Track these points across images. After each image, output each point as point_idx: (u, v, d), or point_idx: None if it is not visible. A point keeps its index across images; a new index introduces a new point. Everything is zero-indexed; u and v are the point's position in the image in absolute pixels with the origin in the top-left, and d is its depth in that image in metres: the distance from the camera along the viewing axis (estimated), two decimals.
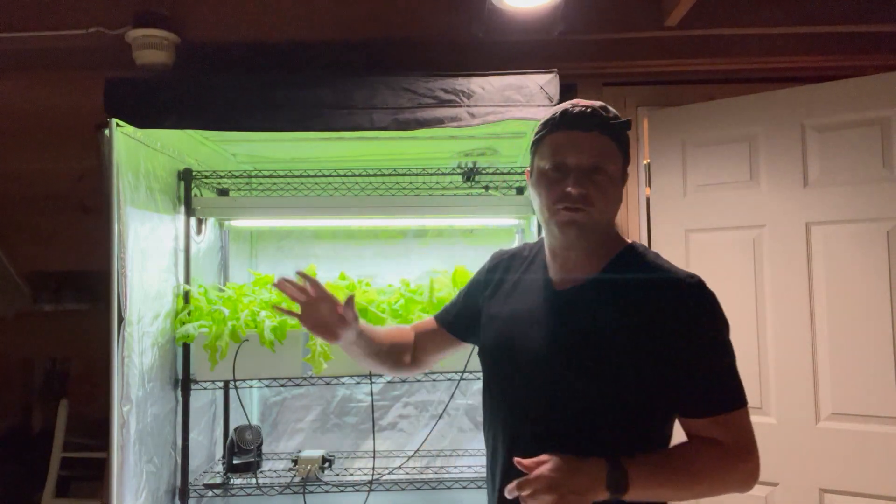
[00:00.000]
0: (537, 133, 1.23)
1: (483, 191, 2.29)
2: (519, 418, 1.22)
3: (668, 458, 1.12)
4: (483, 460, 2.34)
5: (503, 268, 1.38)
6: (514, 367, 1.23)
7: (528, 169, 1.27)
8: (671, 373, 1.12)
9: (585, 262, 1.22)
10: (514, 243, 2.57)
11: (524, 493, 1.04)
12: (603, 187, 1.16)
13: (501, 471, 1.23)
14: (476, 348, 1.41)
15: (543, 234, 1.30)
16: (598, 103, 1.20)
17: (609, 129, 1.17)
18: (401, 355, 1.48)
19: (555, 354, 1.18)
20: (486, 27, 2.08)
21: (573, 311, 1.20)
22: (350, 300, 1.32)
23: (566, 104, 1.21)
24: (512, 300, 1.31)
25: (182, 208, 2.13)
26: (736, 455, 1.12)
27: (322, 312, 1.33)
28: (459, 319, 1.45)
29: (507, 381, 1.25)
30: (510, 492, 1.06)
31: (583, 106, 1.18)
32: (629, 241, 1.27)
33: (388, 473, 2.17)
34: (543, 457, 1.08)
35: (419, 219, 2.51)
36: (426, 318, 1.55)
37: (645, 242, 2.26)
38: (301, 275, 1.33)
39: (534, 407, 1.20)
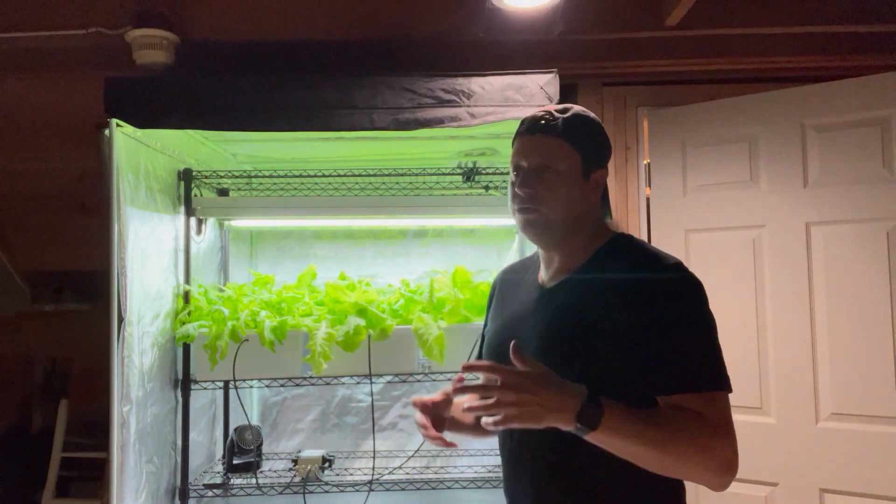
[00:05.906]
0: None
1: (483, 191, 2.28)
2: None
3: (649, 413, 1.07)
4: (483, 460, 2.38)
5: (500, 283, 1.43)
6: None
7: None
8: (649, 352, 1.09)
9: (568, 258, 1.24)
10: (514, 244, 2.57)
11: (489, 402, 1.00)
12: (552, 185, 1.20)
13: (504, 459, 1.28)
14: (478, 344, 1.42)
15: None
16: (557, 107, 1.26)
17: (553, 130, 1.21)
18: None
19: (538, 347, 1.18)
20: (486, 27, 2.08)
21: (556, 305, 1.22)
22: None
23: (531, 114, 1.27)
24: (508, 308, 1.34)
25: (182, 208, 2.13)
26: (715, 430, 1.05)
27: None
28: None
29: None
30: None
31: (539, 112, 1.25)
32: (618, 232, 1.28)
33: (388, 473, 2.17)
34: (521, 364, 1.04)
35: (419, 219, 2.51)
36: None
37: None
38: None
39: None
